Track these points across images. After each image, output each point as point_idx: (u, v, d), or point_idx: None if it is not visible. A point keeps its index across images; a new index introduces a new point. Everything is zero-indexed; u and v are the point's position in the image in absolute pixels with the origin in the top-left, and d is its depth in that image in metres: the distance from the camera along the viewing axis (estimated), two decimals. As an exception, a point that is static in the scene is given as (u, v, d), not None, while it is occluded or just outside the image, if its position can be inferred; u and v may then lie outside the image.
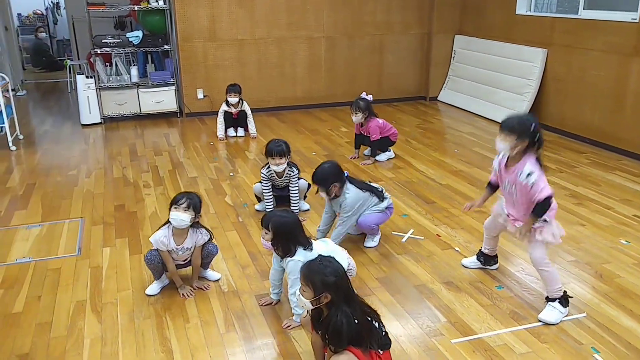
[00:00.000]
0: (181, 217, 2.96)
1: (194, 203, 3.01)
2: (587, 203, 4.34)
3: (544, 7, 6.81)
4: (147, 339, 2.73)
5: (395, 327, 2.80)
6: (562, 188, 4.64)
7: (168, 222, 3.04)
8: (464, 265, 3.38)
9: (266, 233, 2.77)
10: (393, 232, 3.86)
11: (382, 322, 2.34)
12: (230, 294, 3.13)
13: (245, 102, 6.28)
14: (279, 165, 4.01)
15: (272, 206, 4.16)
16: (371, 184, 3.75)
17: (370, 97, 5.35)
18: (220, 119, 6.26)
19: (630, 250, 3.57)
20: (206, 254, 3.19)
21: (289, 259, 2.75)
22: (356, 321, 2.17)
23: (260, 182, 4.17)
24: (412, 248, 3.65)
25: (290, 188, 4.13)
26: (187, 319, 2.89)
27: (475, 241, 3.69)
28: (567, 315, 2.85)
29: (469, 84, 7.61)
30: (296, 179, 4.12)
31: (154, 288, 3.13)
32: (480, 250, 3.34)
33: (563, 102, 6.20)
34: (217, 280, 3.25)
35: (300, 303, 2.32)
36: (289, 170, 4.09)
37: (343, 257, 2.82)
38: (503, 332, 2.74)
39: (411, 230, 3.88)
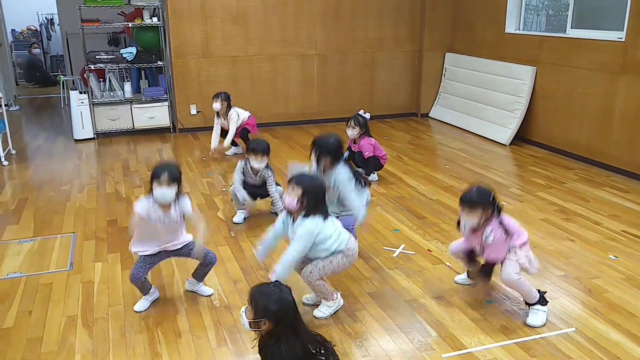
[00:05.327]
0: (165, 192, 2.84)
1: (175, 175, 2.87)
2: (576, 219, 4.39)
3: (532, 26, 6.94)
4: (139, 354, 2.73)
5: (386, 341, 2.82)
6: (551, 204, 4.70)
7: (150, 194, 2.91)
8: (457, 283, 3.40)
9: (293, 189, 2.77)
10: (384, 247, 3.89)
11: (337, 357, 2.26)
12: (222, 308, 3.13)
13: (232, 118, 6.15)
14: (260, 163, 4.20)
15: (248, 198, 4.27)
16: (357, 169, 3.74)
17: (367, 115, 5.34)
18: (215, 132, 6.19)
19: (618, 265, 3.61)
20: (207, 263, 3.17)
21: (308, 218, 2.78)
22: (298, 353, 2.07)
23: (234, 177, 4.33)
24: (404, 263, 3.67)
25: (268, 188, 4.29)
26: (179, 334, 2.89)
27: (465, 256, 3.72)
28: (555, 330, 2.89)
29: (459, 100, 7.71)
30: (272, 179, 4.29)
31: (142, 304, 3.13)
32: (467, 271, 3.40)
33: (552, 119, 6.29)
34: (210, 295, 3.26)
35: (242, 321, 2.25)
36: (264, 170, 4.28)
37: (345, 238, 2.90)
38: (493, 347, 2.77)
39: (402, 246, 3.91)
